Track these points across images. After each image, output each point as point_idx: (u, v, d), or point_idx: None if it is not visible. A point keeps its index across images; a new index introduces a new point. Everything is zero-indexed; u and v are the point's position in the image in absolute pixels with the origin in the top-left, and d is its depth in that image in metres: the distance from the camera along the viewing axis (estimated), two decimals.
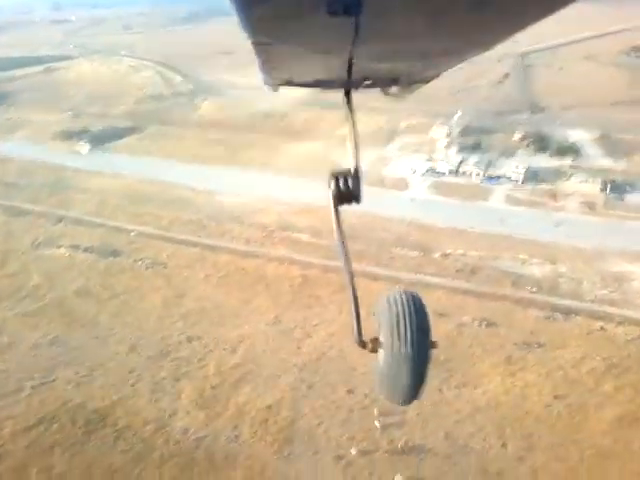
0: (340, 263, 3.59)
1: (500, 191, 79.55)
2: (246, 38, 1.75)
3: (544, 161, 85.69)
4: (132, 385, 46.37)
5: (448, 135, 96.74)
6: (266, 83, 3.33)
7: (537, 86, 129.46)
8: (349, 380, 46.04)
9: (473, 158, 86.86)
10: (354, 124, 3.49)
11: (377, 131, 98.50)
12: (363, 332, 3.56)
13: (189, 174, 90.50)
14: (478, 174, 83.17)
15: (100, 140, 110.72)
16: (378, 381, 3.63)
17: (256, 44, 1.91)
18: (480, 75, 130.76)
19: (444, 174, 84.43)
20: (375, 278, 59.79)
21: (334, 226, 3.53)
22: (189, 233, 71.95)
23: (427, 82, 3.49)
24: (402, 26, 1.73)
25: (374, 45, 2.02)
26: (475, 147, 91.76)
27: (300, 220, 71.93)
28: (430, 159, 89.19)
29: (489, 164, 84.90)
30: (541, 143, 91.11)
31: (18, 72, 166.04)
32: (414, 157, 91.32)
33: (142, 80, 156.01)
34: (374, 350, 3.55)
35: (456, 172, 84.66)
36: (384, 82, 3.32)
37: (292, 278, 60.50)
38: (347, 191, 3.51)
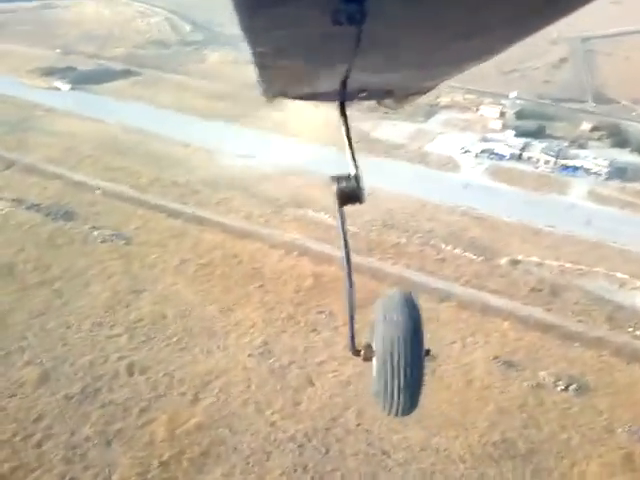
0: (342, 264, 3.50)
1: (580, 185, 61.87)
2: (248, 49, 1.73)
3: (627, 157, 68.52)
4: (34, 448, 29.60)
5: (502, 115, 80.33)
6: (262, 94, 3.23)
7: (600, 75, 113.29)
8: (377, 474, 29.22)
9: (539, 144, 69.29)
10: (349, 134, 3.45)
11: (412, 103, 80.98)
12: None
13: (185, 127, 72.70)
14: (548, 162, 65.53)
15: (85, 80, 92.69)
16: (374, 391, 3.34)
17: (257, 54, 1.89)
18: (534, 57, 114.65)
19: (504, 157, 66.66)
20: (413, 289, 42.46)
21: (338, 226, 3.47)
22: (172, 198, 54.20)
23: (422, 94, 3.47)
24: (405, 36, 1.72)
25: (375, 56, 2.01)
26: (538, 132, 75.03)
27: (321, 195, 54.41)
28: (485, 139, 71.56)
29: (560, 152, 67.31)
30: (618, 137, 74.76)
31: (10, 5, 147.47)
32: (463, 135, 73.52)
33: (147, 26, 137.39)
34: (367, 358, 3.34)
35: (519, 157, 67.06)
36: (379, 94, 3.37)
37: (300, 277, 42.99)
38: (350, 192, 3.46)
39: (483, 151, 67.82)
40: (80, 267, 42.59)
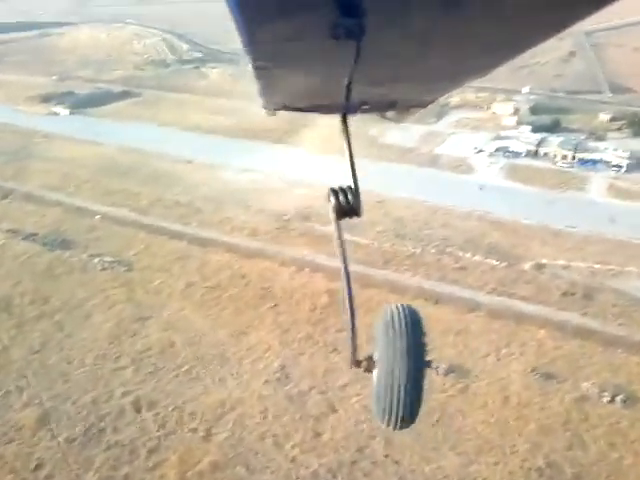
0: (341, 281, 3.46)
1: (600, 180, 58.85)
2: (248, 62, 1.73)
3: None
4: None
5: (516, 112, 77.96)
6: (264, 107, 3.24)
7: (611, 66, 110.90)
8: None
9: (555, 138, 66.43)
10: (350, 147, 3.48)
11: None
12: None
13: (187, 144, 70.74)
14: (565, 157, 62.64)
15: (84, 104, 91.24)
16: (374, 403, 3.35)
17: (257, 68, 1.91)
18: (541, 52, 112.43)
19: (520, 155, 63.85)
20: (437, 300, 39.68)
21: (335, 240, 3.47)
22: (174, 219, 51.81)
23: (424, 107, 3.43)
24: (404, 51, 1.74)
25: (375, 69, 2.01)
26: (554, 127, 72.57)
27: (327, 208, 51.81)
28: (499, 137, 68.84)
29: (578, 146, 64.39)
30: (638, 127, 71.75)
31: (10, 36, 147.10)
32: (476, 135, 70.89)
33: (144, 47, 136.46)
34: (369, 370, 3.39)
35: (535, 154, 64.22)
36: (382, 106, 3.34)
37: (314, 295, 40.14)
38: (347, 205, 3.45)
39: (498, 149, 65.15)
40: (80, 297, 40.07)
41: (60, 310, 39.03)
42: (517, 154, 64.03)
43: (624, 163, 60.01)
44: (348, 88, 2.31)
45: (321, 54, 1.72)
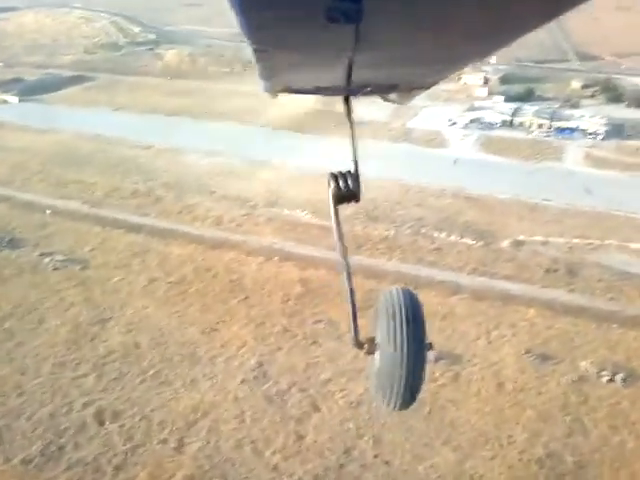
0: (339, 264, 3.45)
1: (576, 149, 57.21)
2: (247, 45, 1.73)
3: (623, 112, 64.07)
4: None
5: (486, 82, 76.17)
6: (265, 90, 3.22)
7: (574, 35, 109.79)
8: None
9: (530, 108, 64.62)
10: (354, 130, 3.48)
11: None
12: None
13: (146, 128, 66.73)
14: (541, 126, 60.84)
15: (34, 90, 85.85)
16: (374, 384, 3.45)
17: (257, 51, 1.89)
18: None
19: (494, 126, 61.80)
20: (417, 285, 37.31)
21: (333, 224, 3.44)
22: (131, 211, 48.11)
23: (426, 89, 3.41)
24: (402, 34, 1.72)
25: (374, 52, 2.00)
26: (527, 96, 71.11)
27: (298, 191, 48.88)
28: (472, 108, 66.64)
29: (553, 115, 62.63)
30: (612, 92, 70.62)
31: None
32: (448, 107, 68.55)
33: (94, 31, 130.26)
34: (371, 352, 3.39)
35: (510, 124, 62.24)
36: (383, 88, 3.34)
37: (286, 285, 37.36)
38: (346, 190, 3.41)
39: (472, 121, 63.09)
40: (32, 301, 36.41)
41: (11, 315, 35.38)
42: (492, 125, 62.05)
43: (601, 130, 58.50)
44: (349, 71, 2.28)
45: (321, 37, 1.64)
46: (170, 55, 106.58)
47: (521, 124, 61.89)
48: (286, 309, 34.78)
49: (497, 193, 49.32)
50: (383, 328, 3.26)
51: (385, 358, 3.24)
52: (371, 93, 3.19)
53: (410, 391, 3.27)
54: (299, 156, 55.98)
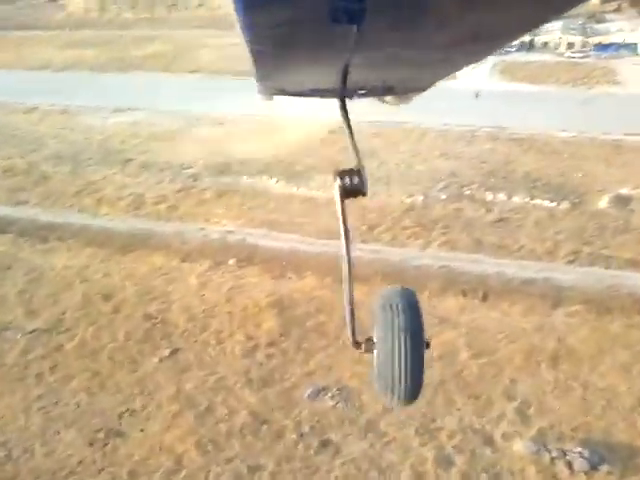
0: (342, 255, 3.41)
1: (632, 68, 42.06)
2: (245, 46, 1.73)
3: None
4: None
5: None
6: (260, 92, 3.28)
7: None
8: None
9: (551, 25, 49.13)
10: (351, 129, 3.38)
11: None
12: None
13: (30, 88, 47.43)
14: (572, 44, 45.77)
15: None
16: (375, 383, 3.41)
17: (255, 52, 1.87)
18: None
19: (510, 50, 46.01)
20: (485, 295, 21.26)
21: (340, 221, 3.32)
22: (7, 195, 30.24)
23: (424, 90, 3.39)
24: (402, 35, 1.70)
25: (375, 54, 2.00)
26: None
27: (258, 149, 31.81)
28: None
29: (584, 30, 47.37)
30: None
31: None
32: None
33: None
34: (368, 350, 3.38)
35: (530, 45, 46.57)
36: (380, 91, 3.40)
37: (250, 316, 19.78)
38: (352, 186, 3.36)
39: None
40: None
41: None
42: (507, 48, 46.26)
43: None
44: (346, 73, 2.29)
45: (321, 37, 1.62)
46: (74, 3, 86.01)
47: (545, 44, 46.61)
48: (253, 378, 17.83)
49: (553, 130, 33.48)
50: (380, 327, 3.21)
51: (382, 357, 3.20)
52: (368, 95, 3.16)
53: (411, 389, 3.21)
54: (246, 103, 38.77)
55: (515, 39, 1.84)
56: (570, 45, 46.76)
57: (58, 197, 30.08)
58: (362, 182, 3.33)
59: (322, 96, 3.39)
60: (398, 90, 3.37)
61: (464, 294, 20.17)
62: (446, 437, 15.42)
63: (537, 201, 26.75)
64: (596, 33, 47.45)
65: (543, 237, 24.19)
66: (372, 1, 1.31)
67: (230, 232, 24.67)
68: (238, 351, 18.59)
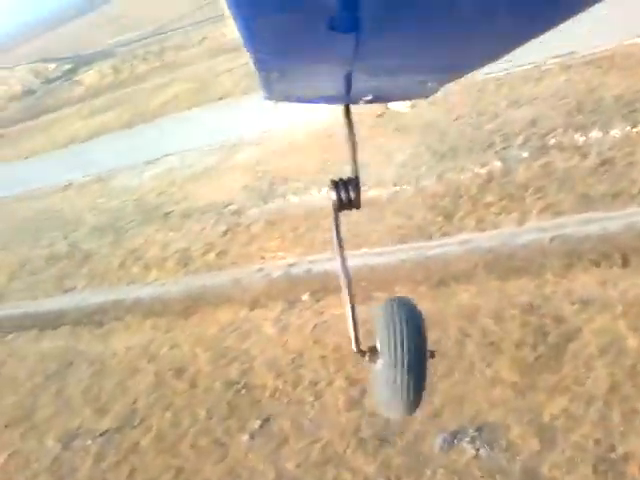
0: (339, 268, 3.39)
1: None
2: (247, 54, 1.68)
3: None
4: None
5: None
6: (266, 98, 3.19)
7: None
8: None
9: None
10: (353, 137, 3.49)
11: None
12: None
13: (62, 165, 46.56)
14: None
15: None
16: (377, 393, 3.55)
17: (256, 60, 1.87)
18: None
19: None
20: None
21: (333, 232, 3.54)
22: (46, 290, 26.92)
23: (427, 97, 3.46)
24: (405, 42, 1.70)
25: (375, 61, 1.98)
26: None
27: (304, 159, 28.58)
28: None
29: None
30: None
31: None
32: None
33: (6, 86, 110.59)
34: (372, 360, 3.47)
35: None
36: (385, 97, 3.41)
37: (345, 352, 16.76)
38: (347, 198, 3.50)
39: None
40: None
41: None
42: None
43: None
44: (349, 79, 2.32)
45: (321, 45, 1.63)
46: (89, 76, 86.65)
47: None
48: (365, 436, 13.92)
49: (633, 37, 28.19)
50: (383, 338, 3.25)
51: (386, 367, 3.24)
52: (372, 101, 3.19)
53: (412, 400, 3.27)
54: (284, 115, 35.62)
55: (521, 44, 1.77)
56: None
57: (104, 274, 27.68)
58: (357, 194, 3.35)
59: (325, 103, 3.55)
60: (403, 96, 3.58)
61: (596, 264, 15.91)
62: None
63: None
64: None
65: None
66: (370, 9, 1.28)
67: (292, 265, 21.36)
68: (342, 404, 15.15)
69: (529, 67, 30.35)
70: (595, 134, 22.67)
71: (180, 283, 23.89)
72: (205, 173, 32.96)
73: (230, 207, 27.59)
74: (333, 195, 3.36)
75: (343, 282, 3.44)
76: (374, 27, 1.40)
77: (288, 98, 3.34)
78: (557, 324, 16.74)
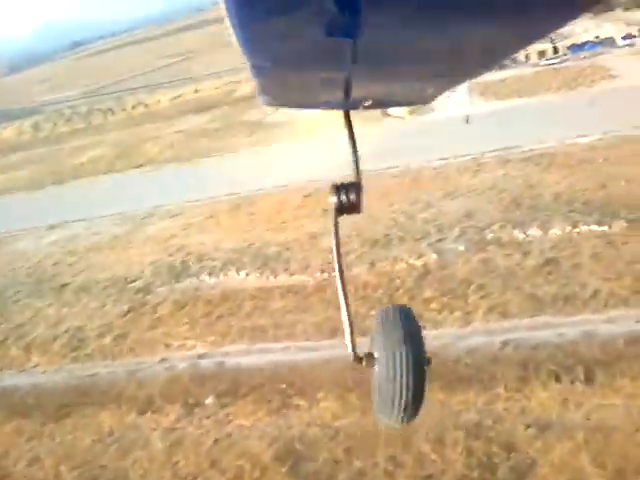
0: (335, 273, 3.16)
1: (618, 59, 38.16)
2: (245, 61, 1.63)
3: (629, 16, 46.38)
4: None
5: None
6: (264, 104, 3.16)
7: None
8: None
9: None
10: (354, 143, 3.31)
11: None
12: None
13: None
14: (543, 53, 42.35)
15: None
16: (375, 400, 3.23)
17: (254, 67, 1.82)
18: None
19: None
20: None
21: (332, 236, 3.22)
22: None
23: (426, 103, 3.40)
24: (403, 48, 1.65)
25: (373, 67, 1.94)
26: None
27: (222, 236, 25.83)
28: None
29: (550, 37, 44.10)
30: None
31: None
32: None
33: None
34: (370, 366, 3.20)
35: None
36: (385, 103, 3.32)
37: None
38: (348, 202, 3.28)
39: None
40: None
41: None
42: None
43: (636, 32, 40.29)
44: (348, 86, 2.27)
45: (319, 51, 1.61)
46: (6, 132, 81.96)
47: (514, 59, 42.61)
48: None
49: (571, 138, 28.13)
50: (380, 343, 3.07)
51: (384, 374, 3.05)
52: (372, 107, 3.09)
53: (411, 407, 3.07)
54: (203, 187, 32.94)
55: (519, 51, 1.72)
56: (541, 53, 43.26)
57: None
58: (359, 198, 3.26)
59: (324, 108, 3.37)
60: (402, 102, 3.38)
61: (556, 378, 13.70)
62: None
63: (583, 227, 20.89)
64: (560, 37, 43.98)
65: (612, 271, 18.14)
66: (368, 14, 1.25)
67: (201, 356, 18.05)
68: None
69: (466, 159, 29.67)
70: (534, 232, 21.28)
71: (63, 372, 19.86)
72: (111, 243, 29.25)
73: (135, 283, 23.99)
74: (333, 199, 3.19)
75: (340, 290, 3.16)
76: (371, 33, 1.36)
77: (286, 105, 3.35)
78: (508, 453, 14.05)
